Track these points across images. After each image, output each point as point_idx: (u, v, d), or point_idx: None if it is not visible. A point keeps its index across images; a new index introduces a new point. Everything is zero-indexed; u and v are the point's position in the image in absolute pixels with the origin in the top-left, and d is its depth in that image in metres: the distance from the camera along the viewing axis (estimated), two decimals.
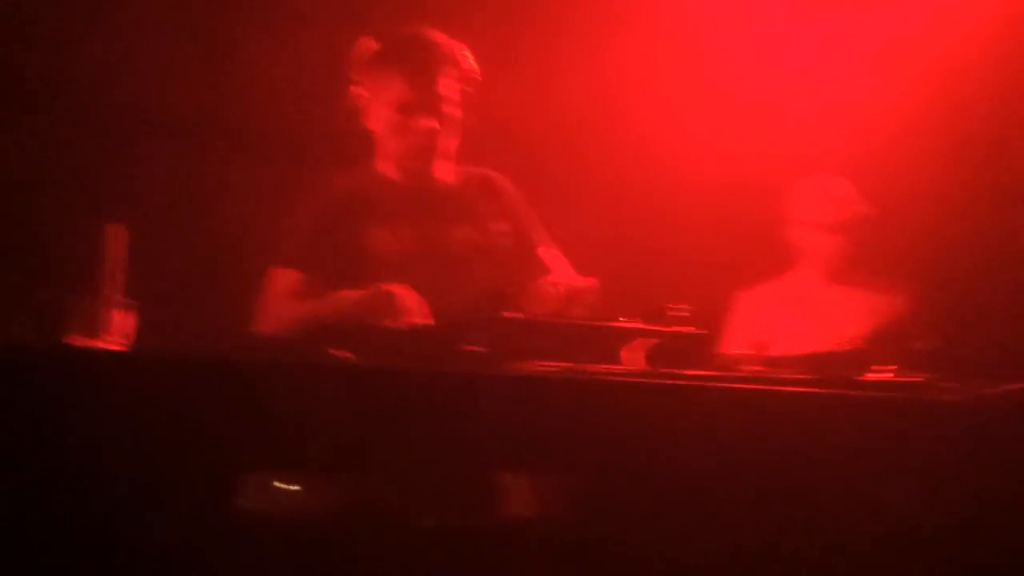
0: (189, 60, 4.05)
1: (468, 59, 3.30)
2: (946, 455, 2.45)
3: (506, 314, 2.66)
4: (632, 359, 2.69)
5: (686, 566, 2.39)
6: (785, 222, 4.11)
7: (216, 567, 2.26)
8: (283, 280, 3.19)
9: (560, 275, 3.14)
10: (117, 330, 2.41)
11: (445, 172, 3.35)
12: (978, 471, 2.44)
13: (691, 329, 2.72)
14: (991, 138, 4.44)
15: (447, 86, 3.26)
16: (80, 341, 2.35)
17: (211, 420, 2.22)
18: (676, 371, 2.57)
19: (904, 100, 4.39)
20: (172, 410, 2.18)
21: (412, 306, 2.92)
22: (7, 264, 3.65)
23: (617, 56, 4.34)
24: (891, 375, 2.64)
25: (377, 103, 3.29)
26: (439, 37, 3.28)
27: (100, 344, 2.37)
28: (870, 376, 2.64)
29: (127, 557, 2.19)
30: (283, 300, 3.17)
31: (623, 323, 2.75)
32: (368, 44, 3.31)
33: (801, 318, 3.97)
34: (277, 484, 2.62)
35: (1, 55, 3.80)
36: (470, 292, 3.02)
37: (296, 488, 2.63)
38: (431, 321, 2.88)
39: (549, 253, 3.36)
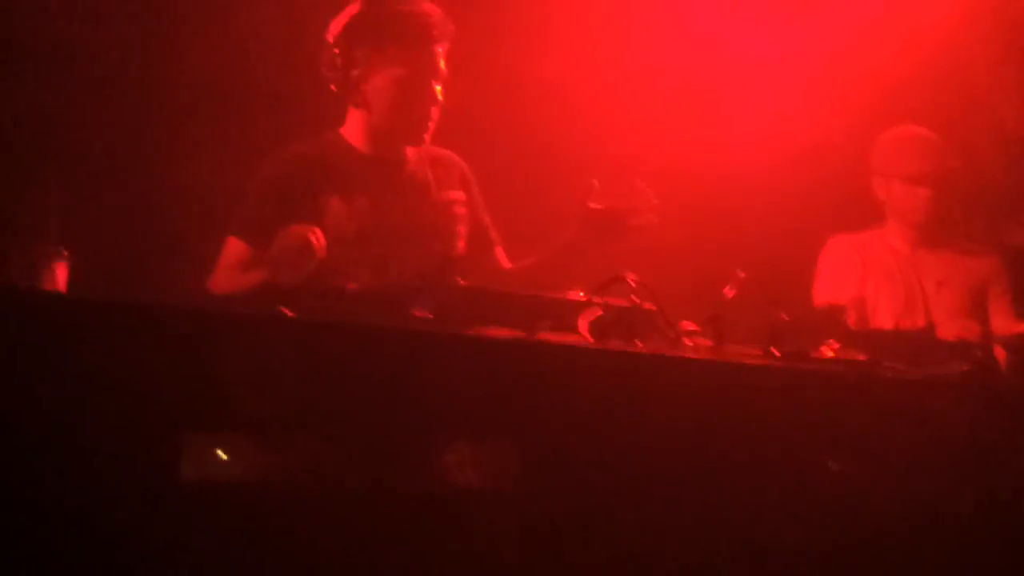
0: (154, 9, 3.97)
1: (454, 33, 3.27)
2: (889, 430, 2.48)
3: (459, 280, 2.66)
4: (584, 330, 2.69)
5: (627, 531, 2.39)
6: (870, 173, 4.00)
7: (149, 524, 2.23)
8: (233, 250, 3.17)
9: None
10: (52, 280, 2.39)
11: (415, 149, 3.32)
12: (918, 446, 2.48)
13: (639, 302, 2.72)
14: None
15: (443, 62, 3.23)
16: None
17: (150, 370, 2.19)
18: (622, 343, 2.58)
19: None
20: (109, 356, 2.15)
21: (317, 245, 2.89)
22: None
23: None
24: (834, 352, 2.67)
25: (371, 77, 3.22)
26: (437, 12, 3.23)
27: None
28: (815, 352, 2.67)
29: (58, 514, 2.15)
30: (231, 271, 3.14)
31: (571, 295, 2.76)
32: (362, 13, 3.23)
33: (885, 273, 3.94)
34: (219, 444, 2.60)
35: None
36: (424, 267, 3.00)
37: (236, 447, 2.60)
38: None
39: (503, 255, 3.38)
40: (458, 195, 3.32)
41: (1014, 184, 4.40)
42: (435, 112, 3.23)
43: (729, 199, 4.26)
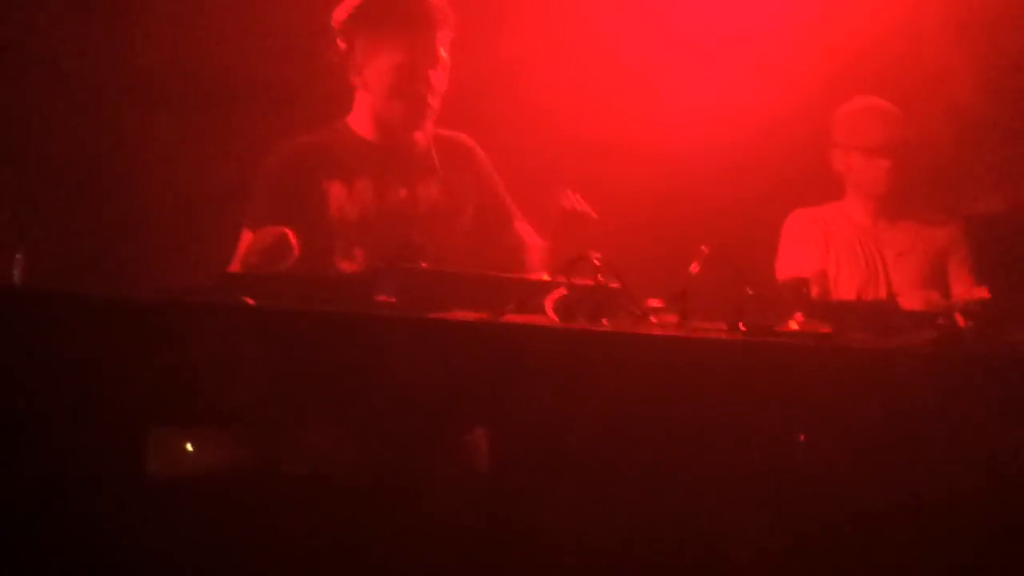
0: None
1: (455, 20, 3.29)
2: (852, 402, 2.49)
3: (423, 264, 2.66)
4: (550, 310, 2.68)
5: (596, 510, 2.39)
6: (829, 146, 3.98)
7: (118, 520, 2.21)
8: (244, 243, 3.18)
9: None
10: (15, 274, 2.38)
11: (420, 133, 3.34)
12: (886, 417, 2.49)
13: (603, 281, 2.72)
14: None
15: (443, 49, 3.26)
16: None
17: (113, 362, 2.17)
18: (589, 322, 2.57)
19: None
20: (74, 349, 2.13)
21: (283, 246, 2.91)
22: None
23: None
24: (799, 325, 2.68)
25: (371, 61, 3.27)
26: None
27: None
28: (781, 326, 2.67)
29: (27, 509, 2.13)
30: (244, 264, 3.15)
31: (535, 275, 2.75)
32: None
33: (845, 246, 3.95)
34: (185, 435, 2.58)
35: None
36: (430, 252, 3.02)
37: (205, 441, 2.58)
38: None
39: (525, 227, 3.38)
40: (463, 177, 3.33)
41: (966, 158, 4.44)
42: (432, 99, 3.26)
43: (691, 176, 4.27)
